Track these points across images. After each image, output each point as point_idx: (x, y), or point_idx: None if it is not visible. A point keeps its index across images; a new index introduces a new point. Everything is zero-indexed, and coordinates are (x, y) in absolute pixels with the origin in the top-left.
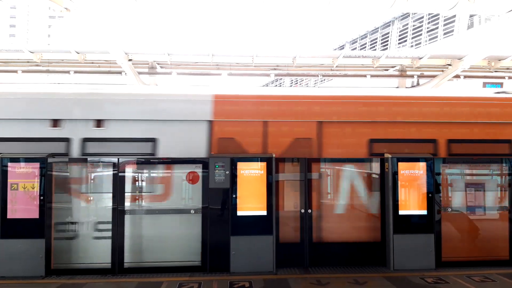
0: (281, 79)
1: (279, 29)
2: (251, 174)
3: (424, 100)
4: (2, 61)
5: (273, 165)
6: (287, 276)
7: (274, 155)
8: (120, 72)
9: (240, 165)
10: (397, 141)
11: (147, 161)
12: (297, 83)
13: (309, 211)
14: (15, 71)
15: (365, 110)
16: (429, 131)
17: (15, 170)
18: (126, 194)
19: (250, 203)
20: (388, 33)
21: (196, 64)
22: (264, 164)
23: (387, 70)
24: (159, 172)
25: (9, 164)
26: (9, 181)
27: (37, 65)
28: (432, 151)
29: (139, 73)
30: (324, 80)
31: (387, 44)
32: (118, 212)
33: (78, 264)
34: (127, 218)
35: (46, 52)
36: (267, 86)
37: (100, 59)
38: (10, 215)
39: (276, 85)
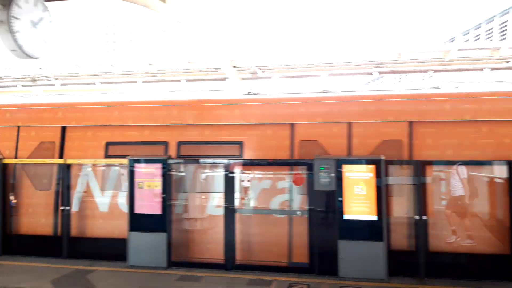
0: (382, 76)
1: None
2: (358, 177)
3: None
4: (124, 73)
5: (382, 168)
6: (402, 286)
7: (383, 158)
8: (224, 79)
9: (346, 167)
10: None
11: (255, 162)
12: (400, 80)
13: (424, 217)
14: (135, 82)
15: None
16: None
17: (141, 170)
18: (235, 193)
19: (358, 207)
20: (506, 21)
21: (296, 67)
22: (372, 166)
23: (508, 61)
24: (265, 173)
25: (135, 165)
26: (136, 180)
27: (153, 75)
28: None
29: (242, 78)
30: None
31: (505, 34)
32: (229, 211)
33: (194, 258)
34: (237, 216)
35: (161, 64)
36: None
37: (207, 67)
38: (137, 210)
39: (377, 84)
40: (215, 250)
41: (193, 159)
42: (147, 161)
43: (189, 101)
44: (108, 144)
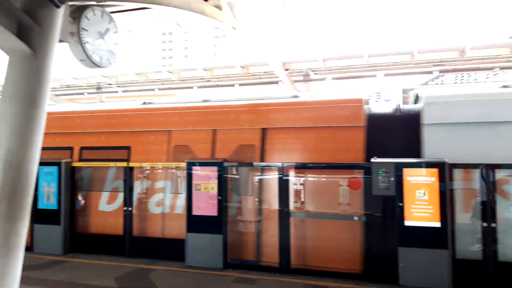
0: (443, 75)
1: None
2: (420, 181)
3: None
4: (180, 79)
5: (446, 172)
6: None
7: (447, 161)
8: (277, 82)
9: (406, 171)
10: None
11: (308, 165)
12: (462, 79)
13: (493, 224)
14: (191, 87)
15: None
16: None
17: (198, 173)
18: (289, 197)
19: (420, 212)
20: None
21: (349, 68)
22: (435, 170)
23: None
24: (320, 176)
25: (193, 167)
26: (193, 182)
27: (208, 81)
28: None
29: (294, 81)
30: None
31: None
32: (284, 214)
33: (249, 261)
34: (291, 220)
35: (216, 69)
36: (426, 84)
37: (260, 71)
38: (194, 212)
39: (437, 83)
40: (269, 253)
41: (246, 162)
42: (204, 164)
43: (90, 111)
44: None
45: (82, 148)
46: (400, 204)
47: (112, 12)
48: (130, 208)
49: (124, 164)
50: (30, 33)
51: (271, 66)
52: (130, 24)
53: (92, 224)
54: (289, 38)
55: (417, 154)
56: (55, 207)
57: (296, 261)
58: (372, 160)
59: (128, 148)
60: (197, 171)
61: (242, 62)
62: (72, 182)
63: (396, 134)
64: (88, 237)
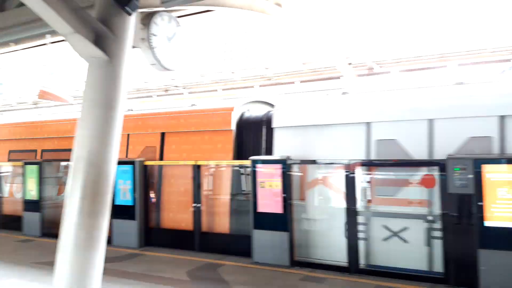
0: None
1: None
2: (503, 178)
3: None
4: (242, 78)
5: None
6: None
7: None
8: (339, 77)
9: (487, 168)
10: None
11: (377, 163)
12: None
13: None
14: (252, 86)
15: None
16: None
17: (262, 170)
18: (356, 195)
19: (504, 212)
20: None
21: (417, 59)
22: None
23: None
24: (390, 174)
25: (257, 165)
26: (258, 179)
27: (269, 79)
28: None
29: (358, 75)
30: None
31: None
32: (351, 212)
33: (316, 259)
34: (360, 219)
35: (277, 66)
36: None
37: (321, 66)
38: (259, 209)
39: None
40: (337, 252)
41: (309, 160)
42: (268, 162)
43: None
44: None
45: None
46: (480, 203)
47: (178, 17)
48: (198, 205)
49: (192, 162)
50: (106, 41)
51: (333, 60)
52: (194, 27)
53: (163, 220)
54: (352, 30)
55: (271, 153)
56: (130, 203)
57: (365, 261)
58: (448, 155)
59: None
60: (261, 168)
61: (303, 58)
62: (145, 180)
63: (257, 136)
64: (161, 231)
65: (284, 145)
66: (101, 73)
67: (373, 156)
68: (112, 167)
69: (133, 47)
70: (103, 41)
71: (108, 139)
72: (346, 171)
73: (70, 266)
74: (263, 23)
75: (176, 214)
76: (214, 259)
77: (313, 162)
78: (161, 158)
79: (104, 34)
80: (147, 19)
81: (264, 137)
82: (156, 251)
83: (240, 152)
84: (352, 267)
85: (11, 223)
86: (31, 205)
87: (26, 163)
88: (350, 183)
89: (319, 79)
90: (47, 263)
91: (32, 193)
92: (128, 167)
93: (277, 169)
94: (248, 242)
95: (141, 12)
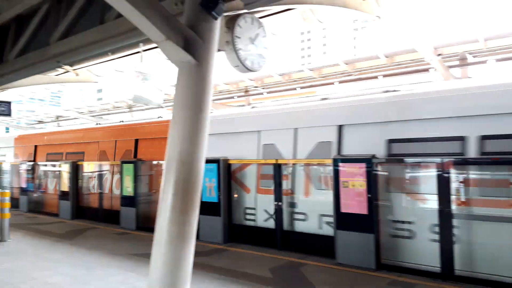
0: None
1: None
2: None
3: None
4: (321, 76)
5: None
6: None
7: None
8: (427, 70)
9: None
10: None
11: (473, 161)
12: None
13: None
14: (332, 83)
15: None
16: None
17: (345, 170)
18: (452, 196)
19: None
20: None
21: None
22: None
23: None
24: (483, 173)
25: (340, 164)
26: (341, 179)
27: (349, 75)
28: None
29: (449, 66)
30: None
31: None
32: (445, 215)
33: (405, 263)
34: (454, 222)
35: (357, 62)
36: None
37: (407, 59)
38: (343, 209)
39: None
40: (428, 257)
41: (398, 158)
42: (351, 161)
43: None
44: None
45: None
46: None
47: (260, 18)
48: (280, 203)
49: (273, 160)
50: (194, 46)
51: (421, 52)
52: (274, 27)
53: (247, 217)
54: (442, 20)
55: None
56: (215, 200)
57: (461, 267)
58: None
59: None
60: (344, 167)
61: (386, 51)
62: (229, 178)
63: None
64: (243, 228)
65: (211, 148)
66: (190, 76)
67: (261, 157)
68: (201, 166)
69: (218, 50)
70: (191, 46)
71: (197, 140)
72: (439, 170)
73: (164, 259)
74: (344, 18)
75: (258, 212)
76: (296, 258)
77: (401, 160)
78: (135, 157)
79: (192, 39)
80: (231, 22)
81: None
82: (239, 247)
83: None
84: (446, 273)
85: (110, 217)
86: (128, 201)
87: (123, 162)
88: (443, 182)
89: (405, 72)
90: (142, 255)
91: (128, 189)
92: (212, 166)
93: (361, 168)
94: (331, 243)
95: (226, 16)
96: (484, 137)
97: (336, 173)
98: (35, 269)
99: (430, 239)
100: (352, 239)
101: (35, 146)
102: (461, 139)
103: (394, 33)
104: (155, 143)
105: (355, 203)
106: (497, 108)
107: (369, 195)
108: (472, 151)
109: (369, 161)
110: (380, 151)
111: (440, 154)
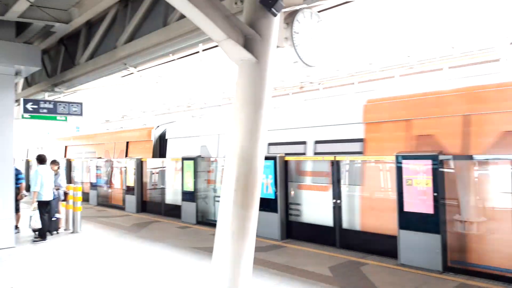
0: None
1: None
2: None
3: None
4: (381, 69)
5: None
6: None
7: None
8: (498, 59)
9: None
10: None
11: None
12: None
13: None
14: (392, 77)
15: None
16: None
17: (409, 167)
18: None
19: None
20: None
21: None
22: None
23: None
24: None
25: (403, 161)
26: (404, 176)
27: (411, 68)
28: None
29: None
30: None
31: None
32: None
33: (474, 266)
34: None
35: (420, 53)
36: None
37: (474, 49)
38: (406, 208)
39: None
40: (501, 260)
41: (465, 155)
42: (416, 158)
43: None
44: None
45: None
46: None
47: (318, 12)
48: (338, 201)
49: (331, 157)
50: (254, 43)
51: (491, 41)
52: (333, 20)
53: (304, 214)
54: None
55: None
56: (272, 196)
57: None
58: None
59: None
60: (408, 164)
61: (452, 41)
62: (285, 174)
63: (162, 143)
64: (300, 225)
65: (171, 149)
66: (249, 74)
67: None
68: (260, 162)
69: (277, 46)
70: (251, 44)
71: (256, 136)
72: None
73: (225, 253)
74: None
75: (315, 209)
76: (355, 257)
77: (470, 157)
78: (126, 156)
79: (252, 37)
80: (289, 18)
81: (165, 144)
82: (296, 244)
83: (156, 153)
84: None
85: (172, 211)
86: (188, 196)
87: (184, 159)
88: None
89: (472, 63)
90: (202, 248)
91: (189, 185)
92: (269, 162)
93: (427, 165)
94: (392, 242)
95: (284, 12)
96: (316, 142)
97: (399, 170)
98: (106, 259)
99: (503, 240)
100: (416, 240)
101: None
102: (304, 143)
103: (463, 21)
104: (139, 145)
105: (419, 202)
106: (324, 122)
107: (435, 194)
108: (310, 152)
109: (435, 158)
110: None
111: (296, 153)
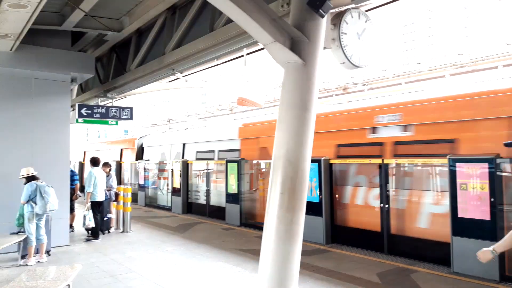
0: None
1: None
2: None
3: None
4: (430, 69)
5: None
6: None
7: None
8: None
9: None
10: None
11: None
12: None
13: None
14: (443, 76)
15: None
16: None
17: (464, 170)
18: None
19: None
20: None
21: None
22: None
23: None
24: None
25: (457, 164)
26: (458, 181)
27: (462, 66)
28: None
29: None
30: None
31: None
32: None
33: None
34: None
35: (474, 51)
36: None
37: None
38: (460, 214)
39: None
40: None
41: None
42: (470, 161)
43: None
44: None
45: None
46: None
47: (366, 11)
48: (386, 205)
49: (379, 160)
50: (301, 46)
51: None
52: (382, 19)
53: (349, 218)
54: None
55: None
56: (316, 200)
57: None
58: None
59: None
60: (462, 168)
61: (509, 38)
62: (330, 177)
63: (141, 150)
64: (346, 229)
65: (146, 154)
66: (296, 76)
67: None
68: (307, 165)
69: (324, 48)
70: (298, 46)
71: (303, 139)
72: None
73: (272, 256)
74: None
75: (362, 214)
76: (404, 263)
77: None
78: (120, 160)
79: (299, 39)
80: (337, 19)
81: (143, 151)
82: (342, 249)
83: (138, 157)
84: None
85: (217, 212)
86: (232, 198)
87: (228, 161)
88: None
89: None
90: (247, 250)
91: (233, 187)
92: (314, 165)
93: (483, 168)
94: (444, 249)
95: (331, 13)
96: (220, 151)
97: (453, 174)
98: (153, 258)
99: None
100: (471, 247)
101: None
102: (213, 151)
103: None
104: (128, 151)
105: (475, 207)
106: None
107: (492, 199)
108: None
109: (492, 161)
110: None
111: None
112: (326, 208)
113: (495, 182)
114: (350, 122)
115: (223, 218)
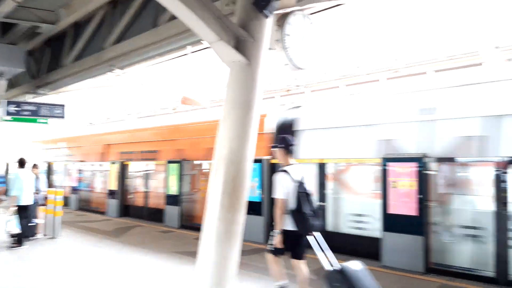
0: None
1: None
2: None
3: None
4: (367, 73)
5: None
6: None
7: None
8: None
9: None
10: None
11: None
12: None
13: None
14: (377, 80)
15: None
16: None
17: (394, 169)
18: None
19: None
20: None
21: None
22: None
23: None
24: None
25: (388, 163)
26: (389, 179)
27: (396, 71)
28: None
29: (508, 59)
30: None
31: None
32: (502, 217)
33: (455, 267)
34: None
35: (407, 56)
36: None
37: (459, 53)
38: (390, 210)
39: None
40: (481, 261)
41: (448, 157)
42: (401, 160)
43: None
44: None
45: None
46: None
47: (309, 14)
48: (323, 203)
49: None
50: (245, 45)
51: (477, 44)
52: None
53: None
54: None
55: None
56: (258, 199)
57: None
58: None
59: None
60: (393, 167)
61: (438, 45)
62: (271, 177)
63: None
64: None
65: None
66: (241, 76)
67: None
68: (249, 165)
69: (269, 48)
70: (243, 46)
71: (246, 139)
72: (497, 169)
73: (211, 256)
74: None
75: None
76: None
77: (451, 160)
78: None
79: (244, 39)
80: (281, 20)
81: None
82: None
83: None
84: (501, 279)
85: (154, 215)
86: (172, 199)
87: (169, 162)
88: (500, 183)
89: (457, 67)
90: (185, 253)
91: (173, 188)
92: (256, 165)
93: (412, 167)
94: (375, 244)
95: (276, 14)
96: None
97: (384, 172)
98: (84, 265)
99: (482, 242)
100: (399, 242)
101: None
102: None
103: (447, 24)
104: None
105: (403, 204)
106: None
107: (420, 196)
108: None
109: (420, 160)
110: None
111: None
112: (267, 207)
113: (422, 179)
114: None
115: (162, 221)
